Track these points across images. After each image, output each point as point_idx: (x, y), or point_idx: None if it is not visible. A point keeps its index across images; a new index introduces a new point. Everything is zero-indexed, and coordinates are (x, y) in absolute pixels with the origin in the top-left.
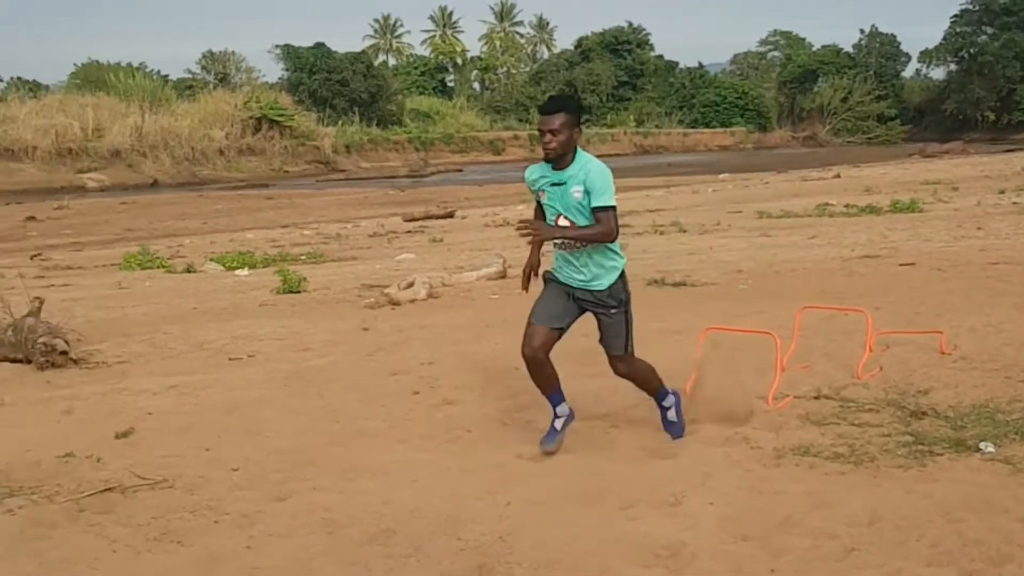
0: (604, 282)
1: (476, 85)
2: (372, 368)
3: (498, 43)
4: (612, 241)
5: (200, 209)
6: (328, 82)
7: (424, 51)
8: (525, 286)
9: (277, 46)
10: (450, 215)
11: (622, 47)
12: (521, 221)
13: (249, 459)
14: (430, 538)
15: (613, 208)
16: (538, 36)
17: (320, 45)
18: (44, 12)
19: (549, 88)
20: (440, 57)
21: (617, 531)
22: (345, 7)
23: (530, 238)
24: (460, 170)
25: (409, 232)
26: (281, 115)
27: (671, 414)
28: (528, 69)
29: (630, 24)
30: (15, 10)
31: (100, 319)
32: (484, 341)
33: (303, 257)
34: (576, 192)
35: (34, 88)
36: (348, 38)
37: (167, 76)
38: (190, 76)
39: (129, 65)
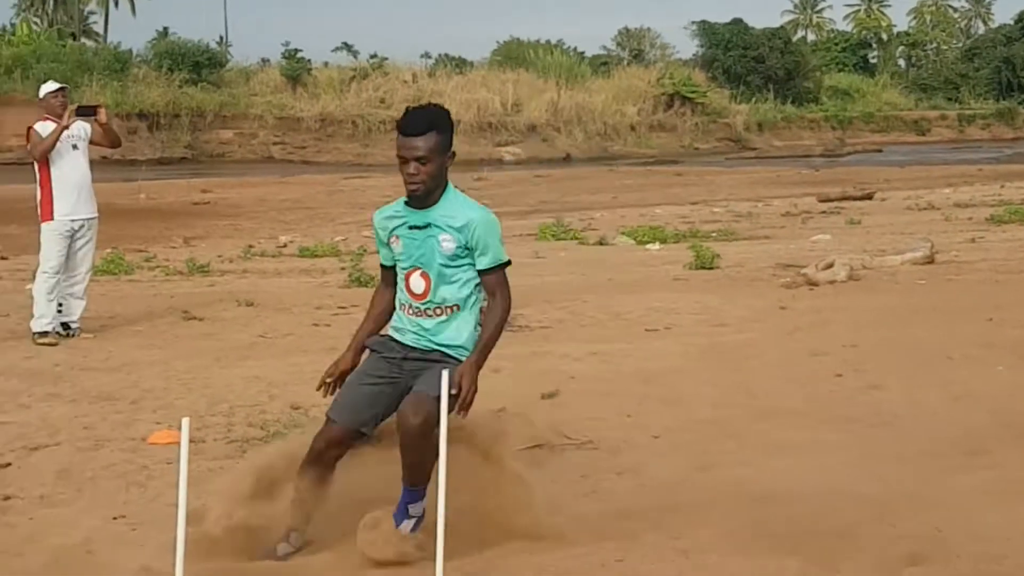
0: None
1: (901, 62)
2: (791, 347)
3: (928, 17)
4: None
5: (610, 183)
6: (743, 59)
7: (846, 26)
8: (325, 389)
9: (693, 22)
10: (868, 196)
11: None
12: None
13: (669, 428)
14: (860, 523)
15: (507, 264)
16: (974, 10)
17: (737, 21)
18: None
19: (983, 65)
20: (863, 32)
21: None
22: None
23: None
24: (880, 150)
25: (824, 213)
26: (694, 92)
27: (407, 526)
28: (960, 45)
29: None
30: None
31: (521, 285)
32: (911, 327)
33: (713, 234)
34: (446, 242)
35: (460, 64)
36: (766, 14)
37: (583, 53)
38: (605, 53)
39: (548, 42)
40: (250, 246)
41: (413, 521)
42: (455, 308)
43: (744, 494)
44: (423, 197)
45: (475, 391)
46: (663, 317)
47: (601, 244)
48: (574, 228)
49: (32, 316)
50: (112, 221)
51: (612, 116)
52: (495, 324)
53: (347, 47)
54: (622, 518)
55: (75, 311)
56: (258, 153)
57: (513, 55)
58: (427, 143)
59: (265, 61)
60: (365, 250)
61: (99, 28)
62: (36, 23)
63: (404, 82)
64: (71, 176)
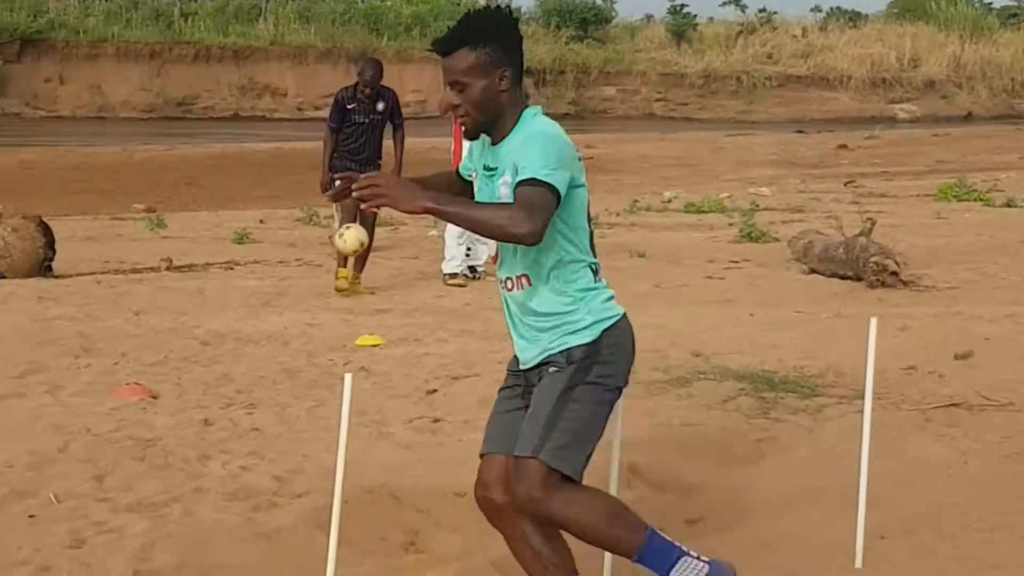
0: (574, 338)
1: None
2: None
3: None
4: (526, 239)
5: (1017, 143)
6: None
7: None
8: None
9: None
10: None
11: None
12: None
13: None
14: None
15: (545, 185)
16: None
17: None
18: None
19: None
20: None
21: None
22: None
23: (367, 205)
24: None
25: None
26: None
27: None
28: None
29: None
30: None
31: (921, 246)
32: None
33: None
34: (504, 186)
35: (853, 18)
36: None
37: (990, 4)
38: (1015, 4)
39: None
40: (635, 201)
41: None
42: (528, 279)
43: None
44: (477, 131)
45: (377, 192)
46: None
47: (1009, 206)
48: (978, 189)
49: (443, 259)
50: None
51: (1022, 72)
52: (486, 208)
53: (735, 2)
54: None
55: (481, 256)
56: (640, 110)
57: (912, 7)
58: (460, 63)
59: (650, 17)
60: (757, 206)
61: None
62: None
63: (793, 36)
64: None
